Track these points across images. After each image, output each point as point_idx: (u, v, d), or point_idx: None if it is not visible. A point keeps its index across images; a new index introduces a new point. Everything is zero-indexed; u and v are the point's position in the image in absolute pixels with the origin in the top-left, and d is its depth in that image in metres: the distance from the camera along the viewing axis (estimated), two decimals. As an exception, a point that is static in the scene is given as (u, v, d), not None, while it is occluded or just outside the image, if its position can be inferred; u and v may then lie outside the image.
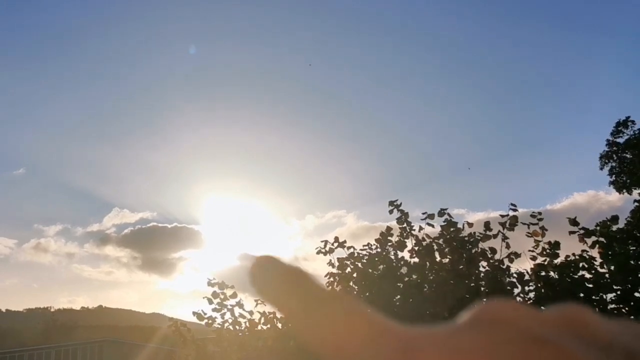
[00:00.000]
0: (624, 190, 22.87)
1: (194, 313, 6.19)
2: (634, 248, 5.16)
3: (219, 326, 6.11)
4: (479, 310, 0.26)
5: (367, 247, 5.91)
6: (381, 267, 5.70)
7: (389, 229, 5.85)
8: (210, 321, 6.14)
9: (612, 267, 4.85)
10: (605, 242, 4.95)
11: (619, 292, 4.85)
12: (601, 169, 23.38)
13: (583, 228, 5.03)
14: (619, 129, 23.08)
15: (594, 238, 4.99)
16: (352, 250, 5.94)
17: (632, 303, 4.81)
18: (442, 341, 0.24)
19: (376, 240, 5.87)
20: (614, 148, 23.10)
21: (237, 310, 6.07)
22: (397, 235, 5.78)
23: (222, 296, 6.05)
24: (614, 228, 5.12)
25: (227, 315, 6.07)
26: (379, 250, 5.84)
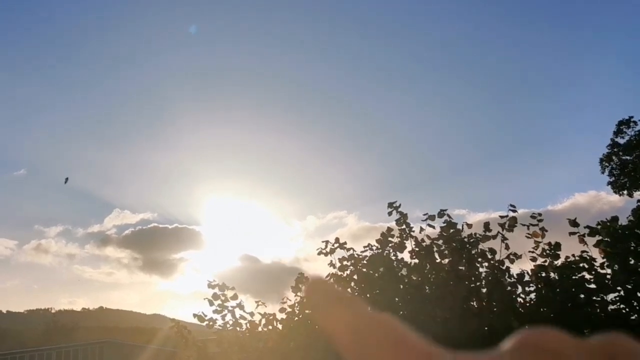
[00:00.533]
0: (623, 192, 22.85)
1: (194, 315, 6.18)
2: (634, 246, 5.15)
3: (220, 328, 6.11)
4: (522, 338, 0.26)
5: (367, 248, 5.92)
6: (381, 268, 5.70)
7: (389, 229, 5.85)
8: (211, 323, 6.13)
9: (616, 267, 4.85)
10: (609, 241, 4.95)
11: (621, 293, 4.85)
12: (602, 172, 23.37)
13: (588, 227, 5.04)
14: (621, 127, 23.07)
15: (597, 237, 4.99)
16: (351, 252, 5.95)
17: (634, 304, 4.80)
18: None
19: (377, 241, 5.87)
20: (615, 149, 23.09)
21: (237, 312, 6.07)
22: (397, 237, 5.78)
23: (222, 297, 6.05)
24: (616, 226, 5.12)
25: (228, 317, 6.07)
26: (379, 251, 5.84)
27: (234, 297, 6.05)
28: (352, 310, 0.28)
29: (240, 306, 6.07)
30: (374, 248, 5.88)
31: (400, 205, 5.75)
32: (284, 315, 6.03)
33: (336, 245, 6.02)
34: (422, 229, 5.63)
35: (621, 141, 22.94)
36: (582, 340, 0.26)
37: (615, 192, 23.06)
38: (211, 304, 6.05)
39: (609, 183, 23.11)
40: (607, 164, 23.15)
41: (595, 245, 4.99)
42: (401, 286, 5.52)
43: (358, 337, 0.27)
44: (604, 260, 4.97)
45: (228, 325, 6.06)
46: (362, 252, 5.92)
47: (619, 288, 4.85)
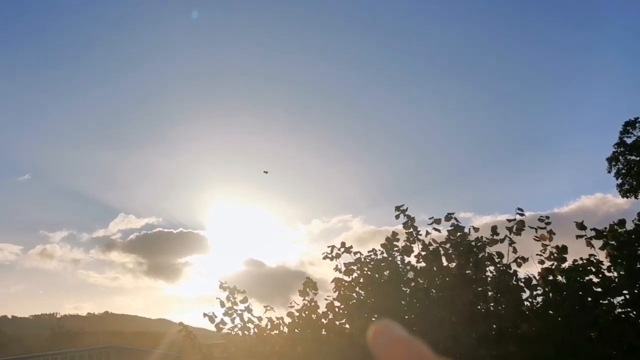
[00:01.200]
0: (631, 194, 22.79)
1: (204, 314, 6.21)
2: None
3: (229, 331, 6.14)
4: None
5: (372, 253, 5.92)
6: (387, 272, 5.71)
7: (394, 234, 5.86)
8: (222, 325, 6.16)
9: (622, 271, 4.84)
10: (615, 245, 4.94)
11: (627, 296, 4.84)
12: (609, 172, 23.35)
13: (594, 229, 5.03)
14: (627, 128, 23.06)
15: (603, 240, 4.98)
16: (358, 255, 5.96)
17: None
18: None
19: (382, 245, 5.88)
20: (621, 149, 23.07)
21: (246, 315, 6.10)
22: (404, 240, 5.79)
23: (232, 300, 6.10)
24: (621, 231, 5.11)
25: (237, 320, 6.11)
26: (384, 255, 5.85)
27: (244, 300, 6.09)
28: (415, 353, 0.31)
29: (249, 309, 6.10)
30: (379, 253, 5.89)
31: (407, 208, 5.77)
32: (290, 320, 6.05)
33: (342, 249, 6.02)
34: (428, 233, 5.64)
35: (628, 140, 22.95)
36: None
37: (622, 195, 23.02)
38: (222, 305, 6.10)
39: (618, 186, 23.08)
40: (614, 163, 23.14)
41: (601, 248, 4.99)
42: (408, 290, 5.53)
43: None
44: (611, 263, 4.96)
45: (236, 329, 6.09)
46: (367, 256, 5.93)
47: (625, 292, 4.84)
